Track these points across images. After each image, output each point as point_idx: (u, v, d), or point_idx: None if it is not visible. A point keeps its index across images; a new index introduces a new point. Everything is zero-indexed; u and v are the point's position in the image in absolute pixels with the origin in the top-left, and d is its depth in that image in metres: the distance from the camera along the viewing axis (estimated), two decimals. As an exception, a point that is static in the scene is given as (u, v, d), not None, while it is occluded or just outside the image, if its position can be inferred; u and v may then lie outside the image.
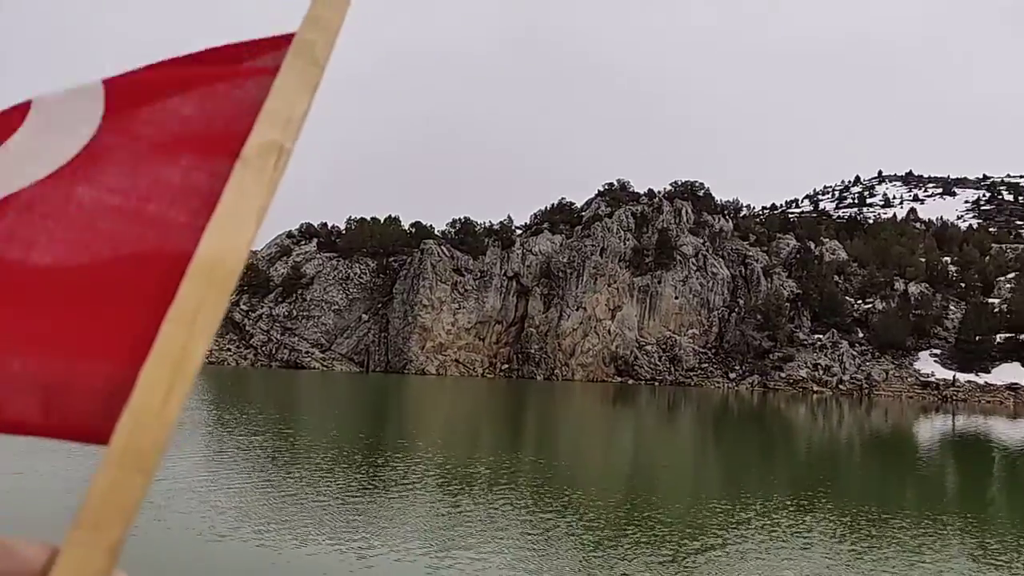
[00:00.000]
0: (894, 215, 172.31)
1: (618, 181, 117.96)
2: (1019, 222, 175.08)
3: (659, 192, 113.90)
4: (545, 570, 12.60)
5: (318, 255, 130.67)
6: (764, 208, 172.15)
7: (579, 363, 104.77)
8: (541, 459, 26.07)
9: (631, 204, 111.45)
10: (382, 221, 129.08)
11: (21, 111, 0.70)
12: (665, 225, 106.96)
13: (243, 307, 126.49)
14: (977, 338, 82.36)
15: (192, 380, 0.58)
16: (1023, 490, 27.62)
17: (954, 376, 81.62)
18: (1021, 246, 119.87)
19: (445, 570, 12.18)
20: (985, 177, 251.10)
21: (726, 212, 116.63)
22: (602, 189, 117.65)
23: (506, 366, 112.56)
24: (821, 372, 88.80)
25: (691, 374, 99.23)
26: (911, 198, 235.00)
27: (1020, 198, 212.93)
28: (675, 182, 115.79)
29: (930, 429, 50.87)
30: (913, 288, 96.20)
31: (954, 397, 77.27)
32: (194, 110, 0.70)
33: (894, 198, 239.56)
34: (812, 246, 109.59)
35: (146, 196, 0.66)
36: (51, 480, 16.85)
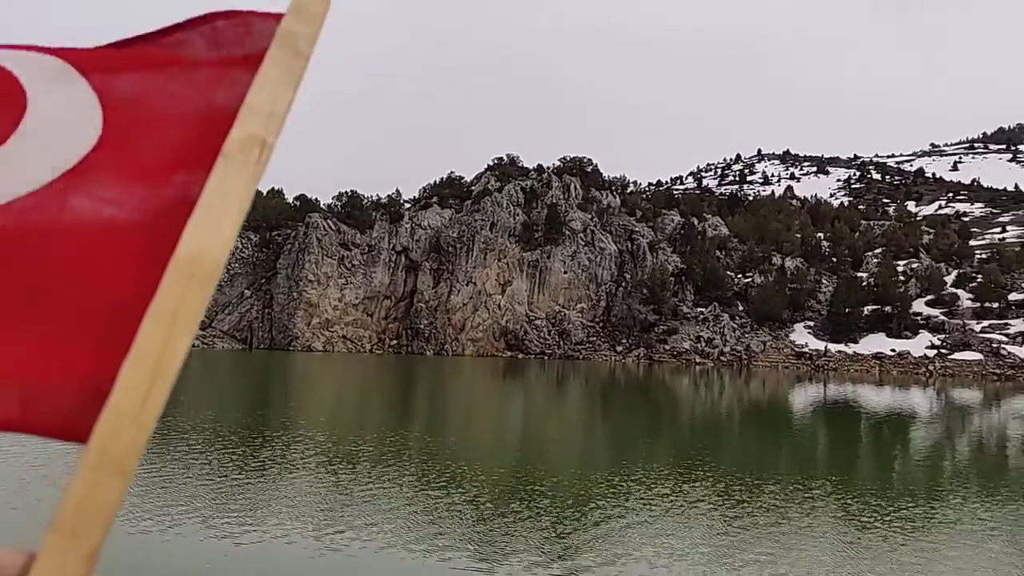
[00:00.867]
0: (772, 192, 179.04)
1: (508, 156, 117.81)
2: (886, 200, 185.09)
3: (548, 168, 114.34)
4: (428, 546, 12.20)
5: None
6: (650, 184, 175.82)
7: (469, 338, 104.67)
8: (428, 435, 25.64)
9: (521, 179, 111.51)
10: (265, 194, 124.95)
11: (17, 108, 0.69)
12: (554, 200, 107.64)
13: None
14: (847, 310, 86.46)
15: (172, 380, 0.58)
16: (886, 453, 29.04)
17: (826, 347, 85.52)
18: (887, 223, 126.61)
19: (326, 551, 11.63)
20: (856, 157, 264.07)
21: (613, 188, 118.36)
22: (492, 164, 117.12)
23: (395, 342, 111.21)
24: (703, 344, 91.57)
25: (579, 347, 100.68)
26: (788, 176, 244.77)
27: (887, 177, 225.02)
28: (564, 158, 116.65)
29: (804, 397, 53.13)
30: (789, 263, 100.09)
31: (826, 366, 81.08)
32: (180, 107, 0.70)
33: (772, 176, 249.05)
34: (695, 222, 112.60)
35: (136, 201, 0.66)
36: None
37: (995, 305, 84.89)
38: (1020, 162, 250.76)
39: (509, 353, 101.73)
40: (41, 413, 0.59)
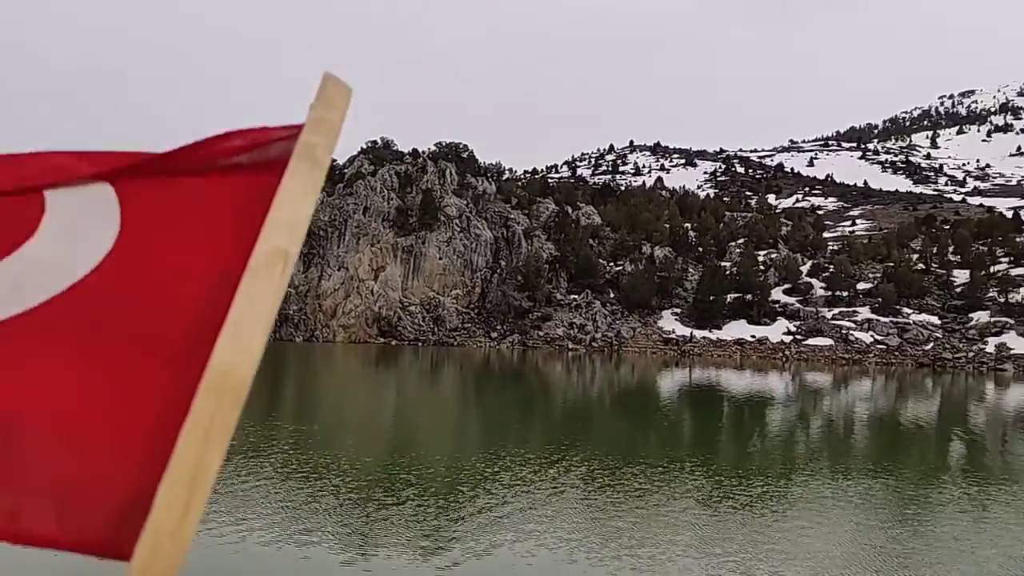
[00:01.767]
0: (644, 183, 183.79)
1: (382, 139, 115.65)
2: (748, 193, 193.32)
3: (424, 152, 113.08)
4: (291, 539, 11.65)
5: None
6: (526, 172, 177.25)
7: (341, 324, 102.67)
8: (294, 425, 24.77)
9: (395, 163, 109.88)
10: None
11: (35, 209, 0.69)
12: (429, 185, 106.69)
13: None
14: (711, 298, 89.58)
15: (207, 495, 0.59)
16: (744, 434, 30.21)
17: (691, 333, 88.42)
18: (750, 214, 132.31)
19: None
20: (721, 151, 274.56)
21: (489, 175, 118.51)
22: (365, 147, 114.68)
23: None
24: (576, 330, 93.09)
25: (454, 334, 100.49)
26: (659, 168, 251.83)
27: (750, 171, 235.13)
28: (440, 143, 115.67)
29: (671, 381, 54.77)
30: (658, 252, 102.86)
31: (691, 352, 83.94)
32: (206, 218, 0.70)
33: (644, 167, 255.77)
34: (570, 210, 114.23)
35: (159, 309, 0.66)
36: None
37: (845, 294, 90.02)
38: (869, 160, 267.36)
39: (382, 340, 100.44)
40: (79, 529, 0.59)
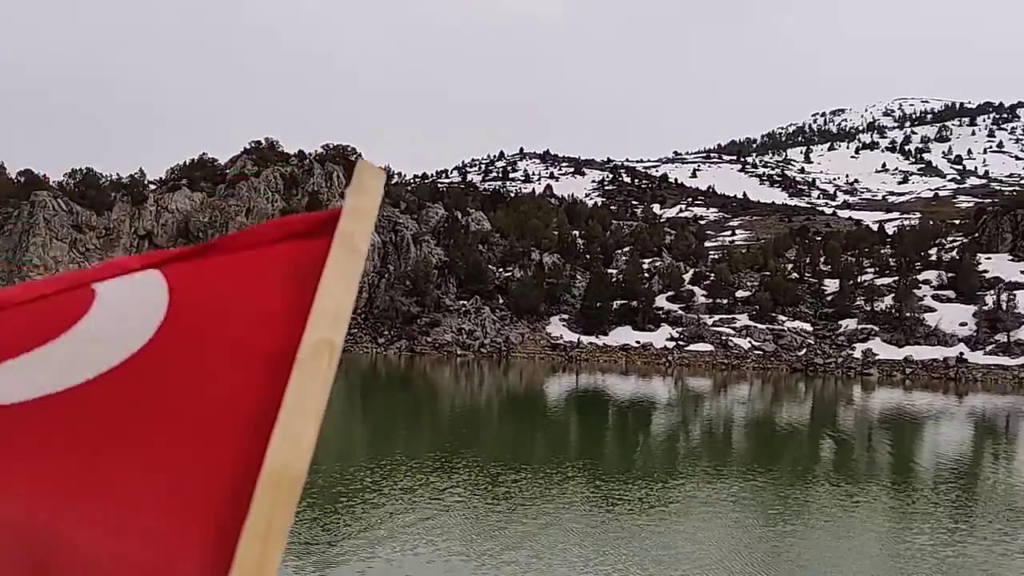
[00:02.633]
0: (533, 190, 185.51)
1: (266, 139, 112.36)
2: (635, 202, 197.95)
3: (310, 154, 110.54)
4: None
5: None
6: (416, 177, 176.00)
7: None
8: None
9: (280, 164, 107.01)
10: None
11: (87, 296, 0.70)
12: (316, 188, 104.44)
13: None
14: (598, 304, 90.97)
15: None
16: (628, 438, 30.63)
17: (579, 339, 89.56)
18: (635, 223, 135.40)
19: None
20: (609, 160, 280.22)
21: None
22: (249, 147, 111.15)
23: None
24: (465, 336, 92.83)
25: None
26: (548, 175, 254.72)
27: (636, 181, 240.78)
28: (327, 145, 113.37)
29: (558, 387, 55.19)
30: (547, 258, 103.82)
31: (579, 357, 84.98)
32: (251, 309, 0.70)
33: (533, 174, 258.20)
34: (459, 216, 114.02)
35: (211, 396, 0.66)
36: None
37: (724, 301, 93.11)
38: (748, 172, 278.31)
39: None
40: None
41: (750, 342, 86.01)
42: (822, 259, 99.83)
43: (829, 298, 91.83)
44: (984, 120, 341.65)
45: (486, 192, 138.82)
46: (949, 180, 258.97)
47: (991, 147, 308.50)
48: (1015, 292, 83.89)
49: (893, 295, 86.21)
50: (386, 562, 11.47)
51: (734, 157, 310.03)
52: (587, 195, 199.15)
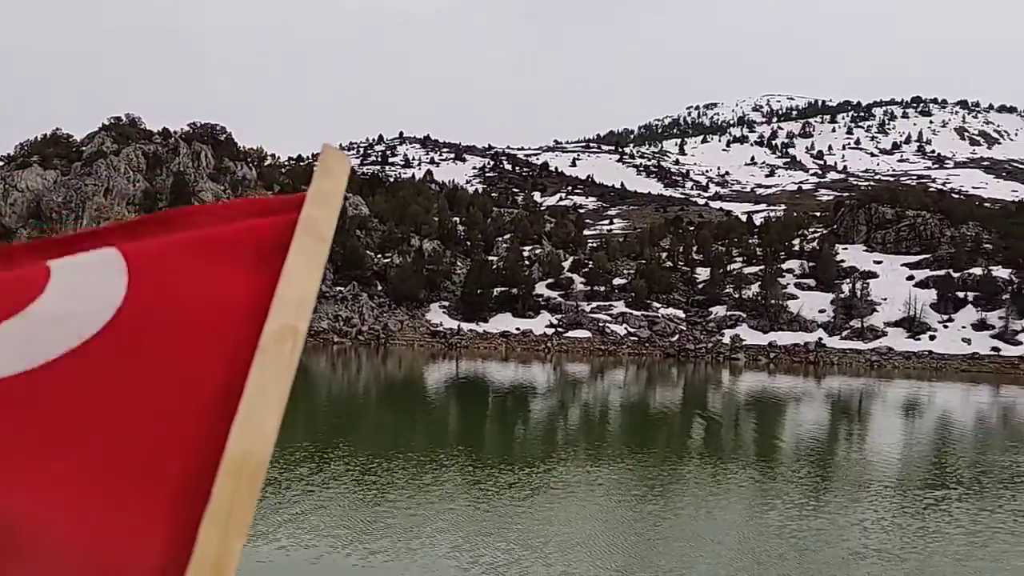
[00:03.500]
0: (413, 175, 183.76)
1: (127, 116, 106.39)
2: (516, 189, 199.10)
3: (175, 132, 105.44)
4: None
5: None
6: (290, 159, 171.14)
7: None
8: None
9: (142, 142, 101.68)
10: None
11: (41, 275, 0.68)
12: (182, 168, 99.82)
13: None
14: (478, 291, 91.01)
15: None
16: (506, 423, 30.64)
17: (459, 326, 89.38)
18: (516, 211, 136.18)
19: None
20: (490, 147, 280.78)
21: (250, 160, 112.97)
22: (107, 123, 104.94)
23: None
24: (342, 323, 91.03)
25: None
26: (428, 161, 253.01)
27: (517, 168, 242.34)
28: (194, 123, 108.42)
29: (438, 374, 54.83)
30: (427, 245, 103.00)
31: (459, 344, 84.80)
32: (213, 294, 0.69)
33: (414, 159, 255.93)
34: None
35: (168, 387, 0.65)
36: None
37: (602, 288, 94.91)
38: (626, 163, 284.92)
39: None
40: None
41: (626, 328, 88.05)
42: (694, 248, 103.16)
43: (700, 286, 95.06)
44: (843, 118, 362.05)
45: (364, 176, 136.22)
46: (811, 174, 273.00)
47: (849, 143, 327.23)
48: (868, 281, 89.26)
49: (759, 283, 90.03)
50: (254, 563, 10.89)
51: (613, 147, 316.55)
52: (468, 182, 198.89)
